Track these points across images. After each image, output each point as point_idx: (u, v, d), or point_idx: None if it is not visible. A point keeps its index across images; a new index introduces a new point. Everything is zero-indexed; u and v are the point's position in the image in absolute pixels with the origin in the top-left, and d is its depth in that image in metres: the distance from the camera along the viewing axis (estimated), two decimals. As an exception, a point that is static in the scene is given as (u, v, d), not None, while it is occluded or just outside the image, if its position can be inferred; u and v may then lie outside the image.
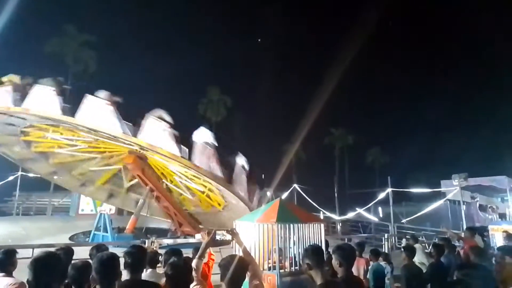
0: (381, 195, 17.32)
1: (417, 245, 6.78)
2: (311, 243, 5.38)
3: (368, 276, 5.72)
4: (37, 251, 3.94)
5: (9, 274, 3.66)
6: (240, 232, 4.34)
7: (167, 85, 34.38)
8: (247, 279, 3.16)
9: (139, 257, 2.68)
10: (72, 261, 2.93)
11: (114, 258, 2.45)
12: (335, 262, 3.19)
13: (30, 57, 27.75)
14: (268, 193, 20.47)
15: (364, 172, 38.08)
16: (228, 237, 4.99)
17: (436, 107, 39.84)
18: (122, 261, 2.59)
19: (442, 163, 32.37)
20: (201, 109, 36.17)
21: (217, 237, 3.66)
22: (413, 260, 5.02)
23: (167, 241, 6.41)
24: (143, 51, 36.07)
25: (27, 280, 2.40)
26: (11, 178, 17.37)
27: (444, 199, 16.88)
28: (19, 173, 18.41)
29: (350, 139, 40.38)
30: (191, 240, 7.80)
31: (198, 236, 7.62)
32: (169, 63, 35.02)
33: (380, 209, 21.94)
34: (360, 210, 17.99)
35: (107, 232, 11.31)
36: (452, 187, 15.22)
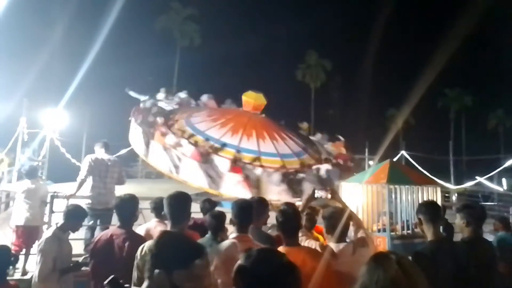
0: (508, 163, 15.12)
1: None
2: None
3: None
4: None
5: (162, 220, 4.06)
6: (343, 193, 4.28)
7: (266, 51, 34.67)
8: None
9: (259, 207, 3.12)
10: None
11: (250, 205, 2.87)
12: (460, 221, 2.93)
13: (146, 34, 30.54)
14: (371, 162, 19.61)
15: (485, 137, 33.51)
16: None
17: None
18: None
19: None
20: (299, 75, 35.69)
21: (316, 195, 3.77)
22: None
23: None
24: (241, 20, 36.60)
25: (163, 213, 2.73)
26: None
27: None
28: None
29: (469, 100, 35.86)
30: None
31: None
32: (268, 30, 35.06)
33: (504, 180, 19.36)
34: (481, 179, 16.02)
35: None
36: None
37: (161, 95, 12.37)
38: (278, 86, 29.77)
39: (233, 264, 2.47)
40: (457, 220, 2.96)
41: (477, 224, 2.91)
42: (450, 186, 16.85)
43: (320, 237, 4.07)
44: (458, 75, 32.73)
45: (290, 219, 2.61)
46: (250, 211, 2.82)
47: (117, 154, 15.24)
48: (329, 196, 3.92)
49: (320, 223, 4.20)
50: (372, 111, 31.51)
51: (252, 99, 11.89)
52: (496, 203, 14.52)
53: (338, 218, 2.85)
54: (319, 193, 3.96)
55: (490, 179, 16.94)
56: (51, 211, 5.06)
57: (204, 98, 12.92)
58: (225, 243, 2.63)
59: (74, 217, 3.69)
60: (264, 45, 32.66)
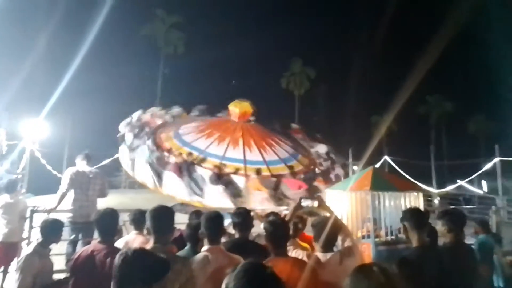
0: (487, 166, 15.49)
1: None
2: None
3: (472, 250, 5.22)
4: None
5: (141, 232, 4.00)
6: (328, 201, 4.28)
7: (250, 60, 34.81)
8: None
9: (247, 217, 3.05)
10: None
11: (219, 216, 2.79)
12: (442, 228, 2.98)
13: (129, 42, 30.30)
14: (355, 168, 19.81)
15: (465, 142, 34.40)
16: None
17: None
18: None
19: None
20: (283, 82, 36.04)
21: (304, 204, 3.79)
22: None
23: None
24: (226, 29, 36.73)
25: (146, 227, 2.68)
26: (116, 155, 19.35)
27: None
28: (126, 150, 20.58)
29: (449, 106, 36.79)
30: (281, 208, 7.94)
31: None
32: (252, 38, 35.26)
33: (484, 182, 19.78)
34: (462, 182, 16.38)
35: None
36: None
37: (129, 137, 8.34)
38: (263, 94, 29.91)
39: (205, 277, 2.47)
40: (439, 227, 3.02)
41: (458, 230, 2.97)
42: (432, 190, 17.15)
43: (305, 245, 4.07)
44: (438, 82, 33.53)
45: (280, 229, 2.62)
46: (220, 221, 2.80)
47: (100, 164, 14.98)
48: (316, 204, 3.93)
49: (308, 231, 4.20)
50: (355, 118, 31.94)
51: (239, 108, 11.48)
52: (476, 206, 14.82)
53: (325, 227, 2.84)
54: (306, 202, 3.97)
55: (471, 182, 17.32)
56: (31, 227, 4.91)
57: (138, 114, 8.79)
58: (197, 257, 2.62)
59: (52, 229, 3.57)
60: (249, 53, 32.83)
